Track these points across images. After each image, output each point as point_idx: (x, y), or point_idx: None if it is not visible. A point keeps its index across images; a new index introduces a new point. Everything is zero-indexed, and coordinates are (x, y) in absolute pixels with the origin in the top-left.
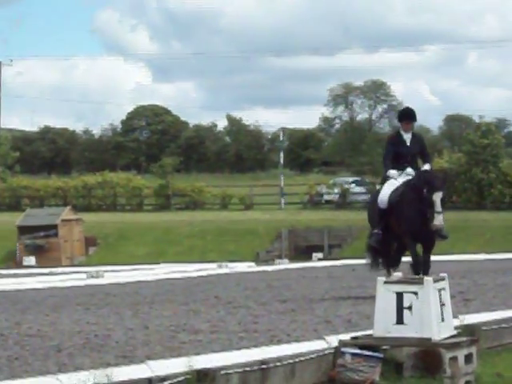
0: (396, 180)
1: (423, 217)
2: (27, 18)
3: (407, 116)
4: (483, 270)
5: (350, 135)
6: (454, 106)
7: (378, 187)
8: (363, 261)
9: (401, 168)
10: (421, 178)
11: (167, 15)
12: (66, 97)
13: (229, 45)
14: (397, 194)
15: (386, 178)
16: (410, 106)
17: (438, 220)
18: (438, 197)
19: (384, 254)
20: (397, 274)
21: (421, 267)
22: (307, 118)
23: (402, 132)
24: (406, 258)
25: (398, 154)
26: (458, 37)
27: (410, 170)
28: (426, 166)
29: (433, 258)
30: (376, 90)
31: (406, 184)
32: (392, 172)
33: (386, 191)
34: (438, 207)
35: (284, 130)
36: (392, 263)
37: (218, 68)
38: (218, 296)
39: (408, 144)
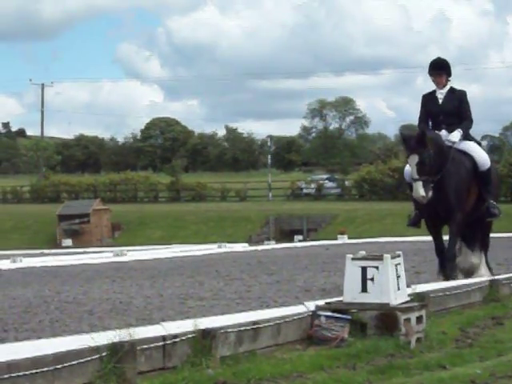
0: None
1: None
2: (64, 49)
3: (434, 67)
4: (430, 249)
5: (324, 141)
6: (406, 118)
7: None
8: (335, 242)
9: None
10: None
11: (174, 47)
12: (95, 111)
13: (224, 70)
14: None
15: None
16: (442, 57)
17: (414, 190)
18: (412, 161)
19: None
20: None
21: (445, 256)
22: (289, 127)
23: (436, 88)
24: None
25: (429, 113)
26: (407, 63)
27: (444, 132)
28: (454, 134)
29: (390, 239)
30: (345, 105)
31: None
32: None
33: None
34: (414, 174)
35: (271, 137)
36: (469, 244)
37: (216, 89)
38: (218, 270)
39: (440, 102)
